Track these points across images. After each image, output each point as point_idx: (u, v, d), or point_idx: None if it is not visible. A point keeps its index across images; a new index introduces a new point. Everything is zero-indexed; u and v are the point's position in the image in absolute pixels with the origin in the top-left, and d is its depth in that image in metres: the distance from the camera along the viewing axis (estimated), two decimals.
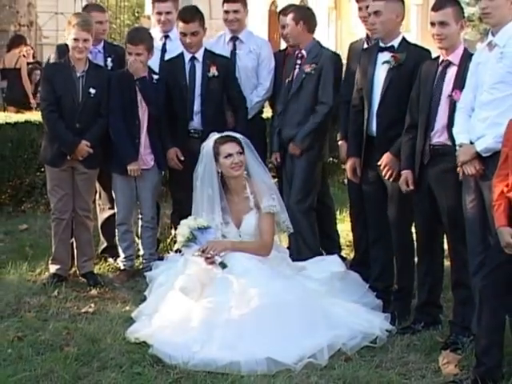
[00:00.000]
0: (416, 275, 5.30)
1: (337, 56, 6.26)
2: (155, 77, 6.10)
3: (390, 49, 5.28)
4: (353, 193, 5.91)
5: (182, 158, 6.13)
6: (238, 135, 5.40)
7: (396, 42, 5.28)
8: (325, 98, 5.98)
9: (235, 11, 6.50)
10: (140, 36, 6.08)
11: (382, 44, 5.34)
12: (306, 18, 6.14)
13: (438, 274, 5.17)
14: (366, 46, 5.92)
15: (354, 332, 4.80)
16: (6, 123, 8.12)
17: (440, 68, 4.86)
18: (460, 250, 4.81)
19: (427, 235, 5.09)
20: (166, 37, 6.59)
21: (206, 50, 6.24)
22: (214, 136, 5.39)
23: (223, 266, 5.03)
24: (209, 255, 5.04)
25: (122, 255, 6.25)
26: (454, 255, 4.94)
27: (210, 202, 5.28)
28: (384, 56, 5.29)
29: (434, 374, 4.40)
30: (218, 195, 5.27)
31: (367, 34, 5.97)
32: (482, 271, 4.37)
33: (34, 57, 13.60)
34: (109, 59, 6.45)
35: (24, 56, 12.10)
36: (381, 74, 5.28)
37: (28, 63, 12.12)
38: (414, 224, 5.25)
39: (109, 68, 6.39)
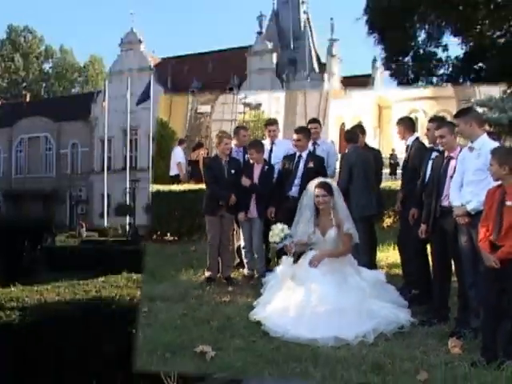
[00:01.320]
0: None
1: None
2: (266, 167, 6.23)
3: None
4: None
5: (273, 215, 6.06)
6: (329, 181, 5.24)
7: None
8: None
9: (316, 127, 6.58)
10: (254, 144, 6.33)
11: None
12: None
13: (447, 289, 4.86)
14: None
15: (390, 321, 4.53)
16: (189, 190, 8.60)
17: (445, 160, 4.79)
18: (462, 273, 4.58)
19: (441, 264, 4.83)
20: (273, 143, 6.69)
21: (309, 151, 6.24)
22: (318, 179, 5.23)
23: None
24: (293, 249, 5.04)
25: (246, 267, 6.23)
26: (459, 276, 4.69)
27: (306, 220, 5.14)
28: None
29: (445, 353, 4.11)
30: (312, 216, 5.11)
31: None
32: (477, 289, 4.17)
33: (207, 154, 14.23)
34: (246, 156, 6.60)
35: (202, 154, 12.66)
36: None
37: (203, 158, 12.64)
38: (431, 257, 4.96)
39: (245, 161, 6.56)
